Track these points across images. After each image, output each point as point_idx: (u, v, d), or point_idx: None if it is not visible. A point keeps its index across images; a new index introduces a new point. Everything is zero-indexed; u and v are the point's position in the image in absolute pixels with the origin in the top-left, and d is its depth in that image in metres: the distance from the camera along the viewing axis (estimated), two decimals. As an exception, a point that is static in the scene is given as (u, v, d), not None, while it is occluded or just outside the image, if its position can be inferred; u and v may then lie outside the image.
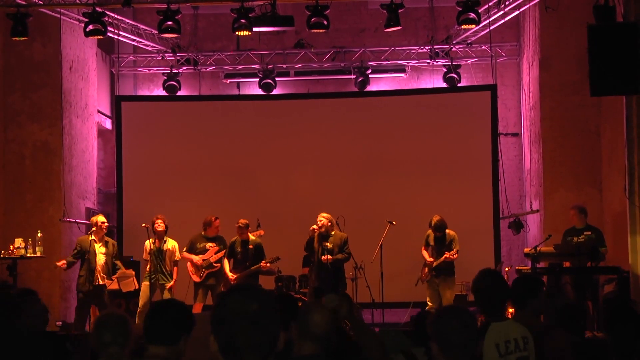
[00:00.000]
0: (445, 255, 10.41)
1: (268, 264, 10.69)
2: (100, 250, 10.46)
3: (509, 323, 4.39)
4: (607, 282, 10.02)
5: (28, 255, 10.87)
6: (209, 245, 10.94)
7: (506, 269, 11.71)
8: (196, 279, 10.85)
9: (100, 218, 10.69)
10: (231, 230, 10.93)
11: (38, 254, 10.93)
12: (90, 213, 12.55)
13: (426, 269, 10.67)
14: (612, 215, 11.51)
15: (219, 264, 10.83)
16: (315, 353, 3.47)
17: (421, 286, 10.76)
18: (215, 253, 10.84)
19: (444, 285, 10.54)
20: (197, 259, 10.83)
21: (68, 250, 11.81)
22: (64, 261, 10.50)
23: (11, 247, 10.83)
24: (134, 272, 10.82)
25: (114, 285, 10.54)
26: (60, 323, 10.93)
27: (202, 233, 11.04)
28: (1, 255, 10.81)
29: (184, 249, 10.97)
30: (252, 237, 10.83)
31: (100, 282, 10.39)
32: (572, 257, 10.06)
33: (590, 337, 8.55)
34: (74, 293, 11.16)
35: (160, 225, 10.79)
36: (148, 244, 10.72)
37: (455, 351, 3.18)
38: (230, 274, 10.74)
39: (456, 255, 10.48)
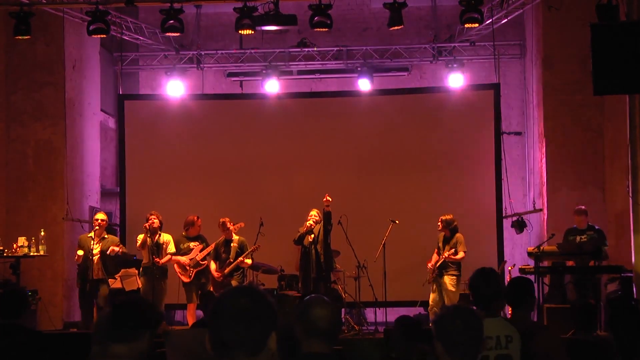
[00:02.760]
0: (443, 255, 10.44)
1: (244, 259, 10.68)
2: (95, 247, 10.55)
3: (493, 320, 4.36)
4: (610, 281, 10.03)
5: (31, 254, 10.89)
6: (192, 244, 10.96)
7: (509, 267, 11.72)
8: (185, 279, 10.83)
9: (99, 215, 10.79)
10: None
11: (41, 252, 10.94)
12: (93, 212, 12.56)
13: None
14: (614, 214, 11.50)
15: (205, 262, 10.86)
16: (324, 352, 3.41)
17: (427, 285, 10.77)
18: (200, 251, 10.87)
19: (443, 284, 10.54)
20: (184, 259, 10.83)
21: (71, 249, 11.85)
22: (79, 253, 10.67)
23: (14, 245, 10.84)
24: (136, 271, 10.82)
25: (117, 284, 10.56)
26: None
27: (184, 233, 11.07)
28: (4, 254, 10.82)
29: None
30: (235, 236, 10.85)
31: (96, 277, 10.45)
32: (575, 257, 10.06)
33: (593, 337, 8.56)
34: (77, 291, 11.18)
35: (154, 222, 10.75)
36: (142, 236, 10.72)
37: (459, 351, 3.17)
38: (216, 274, 10.77)
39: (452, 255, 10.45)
